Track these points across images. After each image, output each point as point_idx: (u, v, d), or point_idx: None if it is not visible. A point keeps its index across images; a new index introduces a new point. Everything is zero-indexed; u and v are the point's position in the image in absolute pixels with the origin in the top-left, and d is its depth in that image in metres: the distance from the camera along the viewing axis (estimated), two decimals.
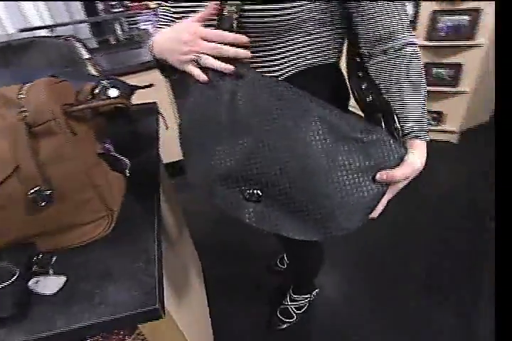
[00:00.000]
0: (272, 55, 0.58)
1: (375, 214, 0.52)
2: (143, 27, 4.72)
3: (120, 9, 4.55)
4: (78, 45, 0.89)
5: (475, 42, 2.01)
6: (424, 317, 1.27)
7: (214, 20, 0.50)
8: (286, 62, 0.59)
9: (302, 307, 1.33)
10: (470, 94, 2.18)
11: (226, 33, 0.49)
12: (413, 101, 0.55)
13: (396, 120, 0.56)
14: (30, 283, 0.48)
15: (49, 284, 0.48)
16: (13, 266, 0.49)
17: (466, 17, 1.99)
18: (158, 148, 0.85)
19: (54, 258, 0.53)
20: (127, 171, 0.62)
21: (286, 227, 0.50)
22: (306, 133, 0.48)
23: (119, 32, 3.20)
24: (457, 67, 2.14)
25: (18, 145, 0.46)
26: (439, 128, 2.38)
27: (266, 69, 0.59)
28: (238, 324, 1.32)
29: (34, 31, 3.02)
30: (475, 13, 1.95)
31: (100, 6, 4.36)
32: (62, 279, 0.49)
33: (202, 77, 0.51)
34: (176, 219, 1.01)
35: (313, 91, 0.51)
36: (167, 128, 1.03)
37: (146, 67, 1.83)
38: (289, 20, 0.52)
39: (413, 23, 2.11)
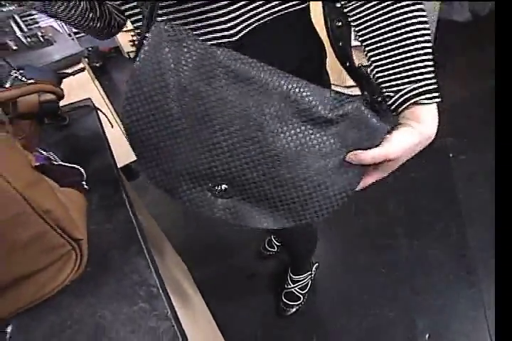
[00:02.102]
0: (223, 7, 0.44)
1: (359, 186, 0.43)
2: (44, 25, 4.14)
3: (11, 8, 3.94)
4: None
5: None
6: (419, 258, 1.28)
7: None
8: (242, 15, 0.46)
9: (306, 286, 1.26)
10: None
11: None
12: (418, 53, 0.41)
13: (375, 87, 0.45)
14: None
15: None
16: None
17: None
18: (111, 149, 0.67)
19: (9, 330, 0.36)
20: (84, 183, 0.45)
21: (260, 220, 0.45)
22: (269, 120, 0.40)
23: (18, 34, 2.71)
24: None
25: None
26: None
27: (217, 27, 0.45)
28: (245, 320, 1.22)
29: None
30: None
31: None
32: None
33: None
34: (152, 227, 0.85)
35: (279, 53, 0.47)
36: (112, 126, 0.84)
37: (61, 66, 1.56)
38: None
39: None
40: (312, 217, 0.44)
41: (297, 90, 0.40)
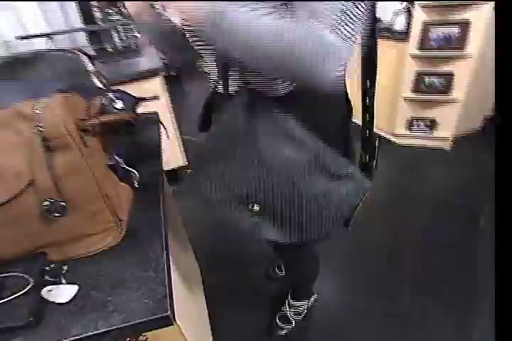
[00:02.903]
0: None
1: None
2: (139, 35, 4.74)
3: (117, 17, 4.58)
4: (84, 57, 0.91)
5: (465, 52, 2.07)
6: (419, 316, 1.30)
7: None
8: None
9: (301, 312, 1.35)
10: (461, 101, 2.23)
11: None
12: None
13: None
14: (43, 292, 0.50)
15: (62, 293, 0.50)
16: (26, 275, 0.51)
17: (455, 28, 2.05)
18: (162, 158, 0.87)
19: (65, 268, 0.54)
20: (135, 182, 0.64)
21: (280, 235, 0.65)
22: (302, 168, 0.61)
23: (116, 40, 3.21)
24: (448, 76, 2.20)
25: (33, 159, 0.48)
26: (432, 135, 2.43)
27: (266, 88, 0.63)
28: (238, 330, 1.33)
29: (33, 39, 3.07)
30: (464, 24, 2.02)
31: (98, 14, 4.39)
32: (75, 288, 0.51)
33: None
34: (178, 227, 1.03)
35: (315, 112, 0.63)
36: (168, 138, 1.05)
37: (142, 76, 1.87)
38: None
39: (406, 33, 2.17)
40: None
41: (322, 154, 0.60)
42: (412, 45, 2.17)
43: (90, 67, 0.93)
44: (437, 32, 2.10)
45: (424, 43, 2.14)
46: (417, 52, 2.18)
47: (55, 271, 0.53)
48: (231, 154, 0.62)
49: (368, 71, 0.65)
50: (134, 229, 0.61)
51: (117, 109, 0.72)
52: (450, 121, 2.33)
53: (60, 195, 0.49)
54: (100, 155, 0.57)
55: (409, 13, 2.16)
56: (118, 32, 4.00)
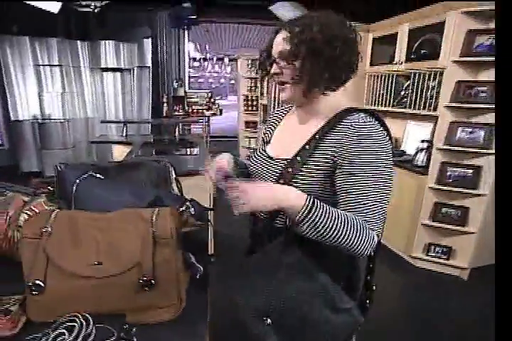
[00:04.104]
0: None
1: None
2: (192, 131, 5.57)
3: (181, 113, 5.46)
4: (171, 168, 1.26)
5: (478, 191, 2.34)
6: None
7: None
8: None
9: None
10: (477, 234, 2.40)
11: None
12: None
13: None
14: None
15: None
16: (112, 329, 0.72)
17: (470, 170, 2.37)
18: (208, 249, 1.12)
19: (134, 330, 0.75)
20: (198, 275, 0.88)
21: None
22: (310, 298, 0.79)
23: (175, 133, 3.82)
24: (464, 209, 2.43)
25: (144, 248, 0.75)
26: (449, 262, 2.53)
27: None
28: None
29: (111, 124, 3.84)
30: (477, 168, 2.34)
31: (165, 109, 5.29)
32: None
33: None
34: None
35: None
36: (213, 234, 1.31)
37: (188, 173, 2.22)
38: None
39: (426, 167, 2.52)
40: None
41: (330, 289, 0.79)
42: (430, 179, 2.48)
43: (173, 175, 1.27)
44: (453, 171, 2.43)
45: (441, 179, 2.45)
46: (435, 186, 2.47)
47: (127, 330, 0.74)
48: (261, 276, 0.83)
49: None
50: (185, 308, 0.82)
51: (191, 214, 1.02)
52: (466, 251, 2.46)
53: (153, 276, 0.74)
54: (181, 252, 0.83)
55: (429, 153, 2.54)
56: (178, 126, 4.77)
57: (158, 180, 1.19)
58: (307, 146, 0.82)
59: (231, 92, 16.55)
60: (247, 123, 5.24)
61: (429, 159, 2.53)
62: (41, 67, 4.53)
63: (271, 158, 0.92)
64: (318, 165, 0.81)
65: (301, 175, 0.81)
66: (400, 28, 2.64)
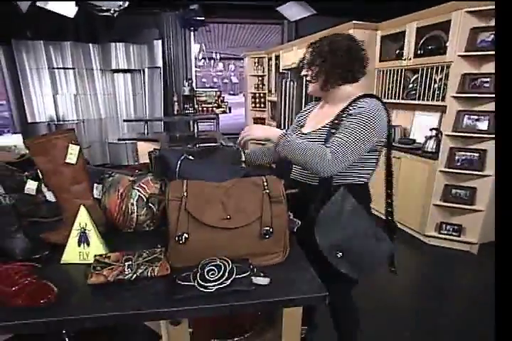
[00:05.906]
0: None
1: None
2: (201, 128, 5.76)
3: (191, 111, 5.65)
4: (241, 151, 1.47)
5: (484, 173, 2.60)
6: None
7: None
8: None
9: None
10: (485, 212, 2.66)
11: None
12: None
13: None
14: (252, 278, 0.90)
15: (263, 280, 0.90)
16: (245, 267, 0.93)
17: (476, 154, 2.63)
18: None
19: (255, 270, 0.95)
20: (295, 228, 1.09)
21: (351, 270, 1.15)
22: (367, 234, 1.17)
23: (192, 130, 4.02)
24: (472, 189, 2.69)
25: (263, 206, 0.96)
26: (459, 238, 2.79)
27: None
28: None
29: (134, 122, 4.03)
30: (482, 152, 2.59)
31: (176, 108, 5.46)
32: (267, 279, 0.91)
33: None
34: None
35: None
36: None
37: None
38: None
39: (436, 153, 2.76)
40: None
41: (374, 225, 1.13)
42: (440, 163, 2.73)
43: (242, 157, 1.48)
44: (460, 156, 2.68)
45: (450, 163, 2.70)
46: (445, 169, 2.72)
47: (253, 271, 0.94)
48: (330, 221, 1.14)
49: (388, 179, 1.26)
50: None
51: None
52: (476, 228, 2.72)
53: (271, 227, 0.95)
54: (286, 208, 1.04)
55: (438, 139, 2.79)
56: (188, 123, 4.95)
57: (234, 161, 1.40)
58: (336, 121, 1.20)
59: (232, 90, 16.79)
60: (255, 119, 5.45)
61: (438, 145, 2.79)
62: (55, 69, 4.67)
63: (304, 134, 1.33)
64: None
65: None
66: (409, 26, 2.88)
